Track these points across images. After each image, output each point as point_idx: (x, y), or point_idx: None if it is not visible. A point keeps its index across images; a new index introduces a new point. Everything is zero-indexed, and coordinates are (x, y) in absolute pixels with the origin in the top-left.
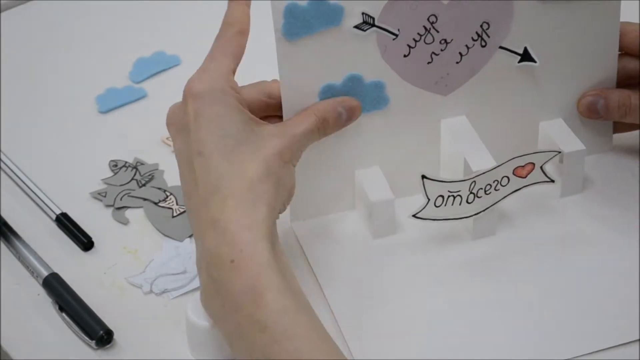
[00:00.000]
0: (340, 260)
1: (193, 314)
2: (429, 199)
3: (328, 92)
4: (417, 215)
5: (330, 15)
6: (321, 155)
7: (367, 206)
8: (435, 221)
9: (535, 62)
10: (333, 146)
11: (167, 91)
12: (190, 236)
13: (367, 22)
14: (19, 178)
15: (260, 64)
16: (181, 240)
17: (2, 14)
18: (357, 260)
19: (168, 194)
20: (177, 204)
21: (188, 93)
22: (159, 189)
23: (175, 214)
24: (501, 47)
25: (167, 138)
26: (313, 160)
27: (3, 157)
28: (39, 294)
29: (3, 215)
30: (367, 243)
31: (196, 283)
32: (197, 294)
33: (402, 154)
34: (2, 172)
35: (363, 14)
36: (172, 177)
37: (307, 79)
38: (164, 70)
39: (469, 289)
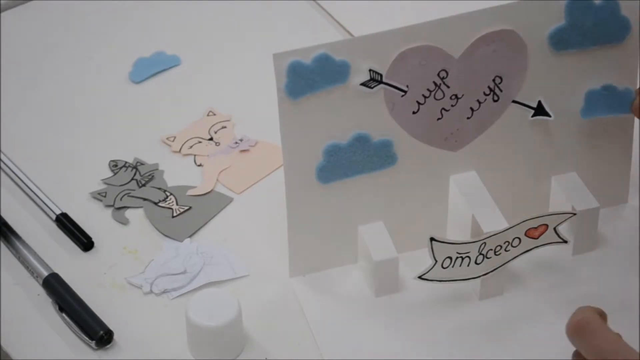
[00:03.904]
0: (341, 320)
1: (193, 314)
2: (436, 261)
3: (333, 153)
4: (423, 277)
5: (336, 73)
6: (323, 208)
7: (370, 264)
8: (442, 282)
9: (550, 116)
10: (336, 200)
11: (167, 91)
12: (190, 236)
13: (375, 79)
14: (19, 178)
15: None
16: (181, 240)
17: (2, 14)
18: (357, 321)
19: (168, 194)
20: (177, 204)
21: None
22: (159, 189)
23: (175, 214)
24: (514, 101)
25: (167, 138)
26: (315, 216)
27: (3, 157)
28: (39, 294)
29: (3, 215)
30: (369, 301)
31: (196, 283)
32: (197, 294)
33: (408, 210)
34: (2, 172)
35: (370, 70)
36: (172, 177)
37: (310, 138)
38: (164, 70)
39: (475, 354)
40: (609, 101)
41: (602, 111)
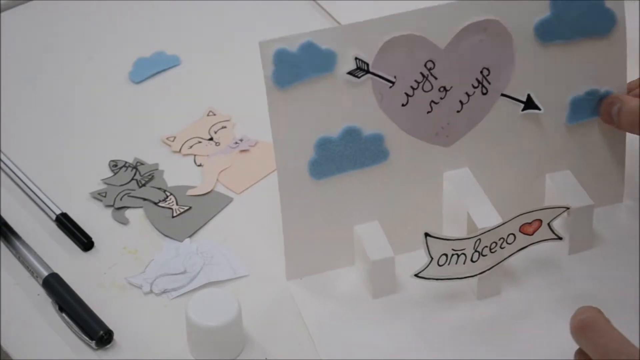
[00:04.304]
0: (338, 322)
1: (193, 314)
2: (432, 258)
3: (325, 147)
4: (419, 275)
5: (323, 61)
6: (318, 210)
7: (366, 264)
8: (438, 281)
9: (539, 109)
10: (331, 201)
11: (167, 91)
12: (190, 236)
13: (361, 68)
14: (19, 178)
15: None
16: (181, 240)
17: (2, 14)
18: (355, 323)
19: (168, 194)
20: (177, 204)
21: None
22: (159, 189)
23: (175, 214)
24: (503, 95)
25: (167, 138)
26: (310, 216)
27: (3, 157)
28: (39, 294)
29: (3, 215)
30: (367, 303)
31: (196, 283)
32: (197, 294)
33: (403, 208)
34: (2, 172)
35: (356, 59)
36: (172, 177)
37: (301, 130)
38: (164, 70)
39: (473, 354)
40: (593, 105)
41: (587, 115)
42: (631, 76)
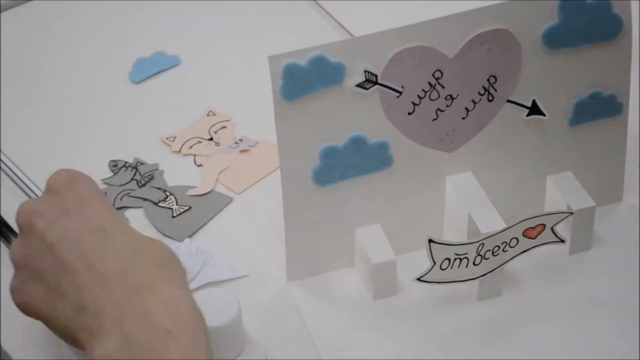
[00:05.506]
0: (339, 323)
1: None
2: (434, 263)
3: (329, 155)
4: (421, 279)
5: (332, 75)
6: (321, 214)
7: (367, 267)
8: (440, 284)
9: (544, 115)
10: (333, 203)
11: (167, 91)
12: (190, 236)
13: (370, 80)
14: (19, 178)
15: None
16: (181, 240)
17: (2, 14)
18: (356, 324)
19: (168, 194)
20: (177, 204)
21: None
22: (159, 189)
23: (175, 214)
24: (509, 101)
25: (167, 138)
26: (312, 220)
27: (3, 157)
28: None
29: (3, 215)
30: (367, 304)
31: (196, 283)
32: (197, 294)
33: (405, 211)
34: (2, 172)
35: (365, 71)
36: (172, 177)
37: (306, 141)
38: (164, 70)
39: (474, 355)
40: (596, 108)
41: (589, 118)
42: (634, 78)
